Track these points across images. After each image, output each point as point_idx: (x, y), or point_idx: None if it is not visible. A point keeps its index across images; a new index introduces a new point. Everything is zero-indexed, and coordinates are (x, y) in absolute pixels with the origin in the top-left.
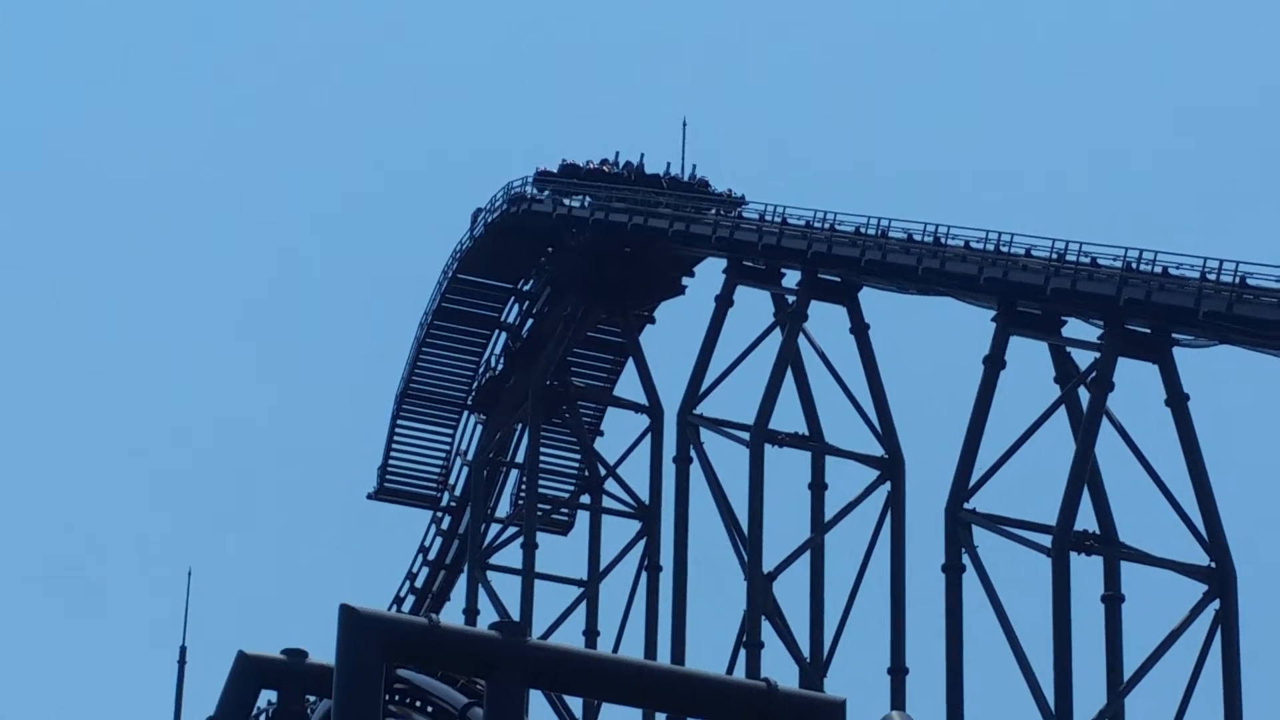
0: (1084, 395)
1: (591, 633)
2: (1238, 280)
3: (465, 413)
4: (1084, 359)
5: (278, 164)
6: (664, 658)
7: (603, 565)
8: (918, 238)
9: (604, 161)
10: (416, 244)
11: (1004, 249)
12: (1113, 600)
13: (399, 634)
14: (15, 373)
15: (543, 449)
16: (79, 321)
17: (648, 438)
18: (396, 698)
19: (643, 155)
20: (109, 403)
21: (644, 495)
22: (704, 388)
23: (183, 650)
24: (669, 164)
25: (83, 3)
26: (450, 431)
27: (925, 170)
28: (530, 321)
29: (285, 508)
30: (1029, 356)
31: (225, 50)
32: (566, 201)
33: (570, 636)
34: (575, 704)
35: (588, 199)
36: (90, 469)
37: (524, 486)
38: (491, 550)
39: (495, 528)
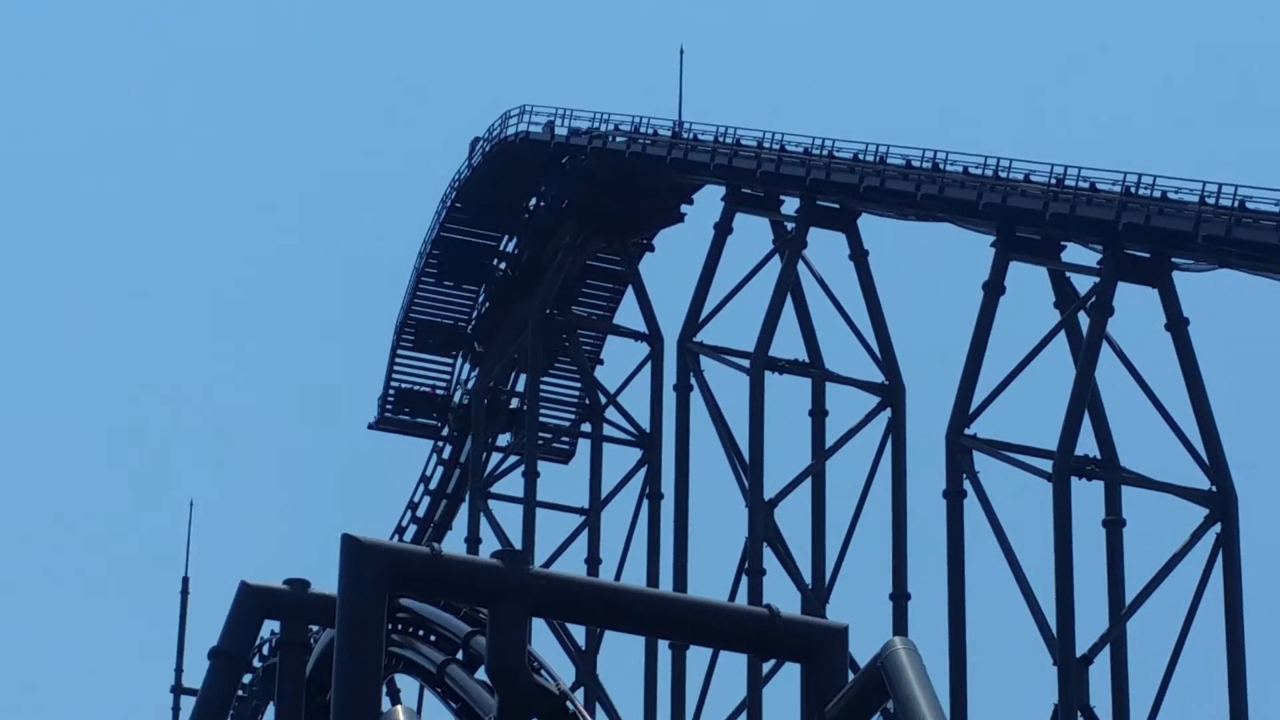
0: (1084, 320)
1: (593, 561)
2: (1237, 204)
3: (466, 341)
4: (1083, 284)
5: (279, 94)
6: (666, 585)
7: (604, 493)
8: (916, 164)
9: None
10: (418, 170)
11: (1003, 174)
12: (1114, 524)
13: (401, 563)
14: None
15: (543, 377)
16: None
17: (648, 366)
18: (399, 627)
19: None
20: (108, 337)
21: (644, 423)
22: (704, 315)
23: (185, 581)
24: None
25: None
26: (450, 361)
27: (924, 99)
28: (529, 250)
29: (286, 438)
30: (1028, 282)
31: (202, 33)
32: (564, 129)
33: (572, 565)
34: (578, 631)
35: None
36: (90, 402)
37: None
38: (493, 479)
39: (496, 456)
